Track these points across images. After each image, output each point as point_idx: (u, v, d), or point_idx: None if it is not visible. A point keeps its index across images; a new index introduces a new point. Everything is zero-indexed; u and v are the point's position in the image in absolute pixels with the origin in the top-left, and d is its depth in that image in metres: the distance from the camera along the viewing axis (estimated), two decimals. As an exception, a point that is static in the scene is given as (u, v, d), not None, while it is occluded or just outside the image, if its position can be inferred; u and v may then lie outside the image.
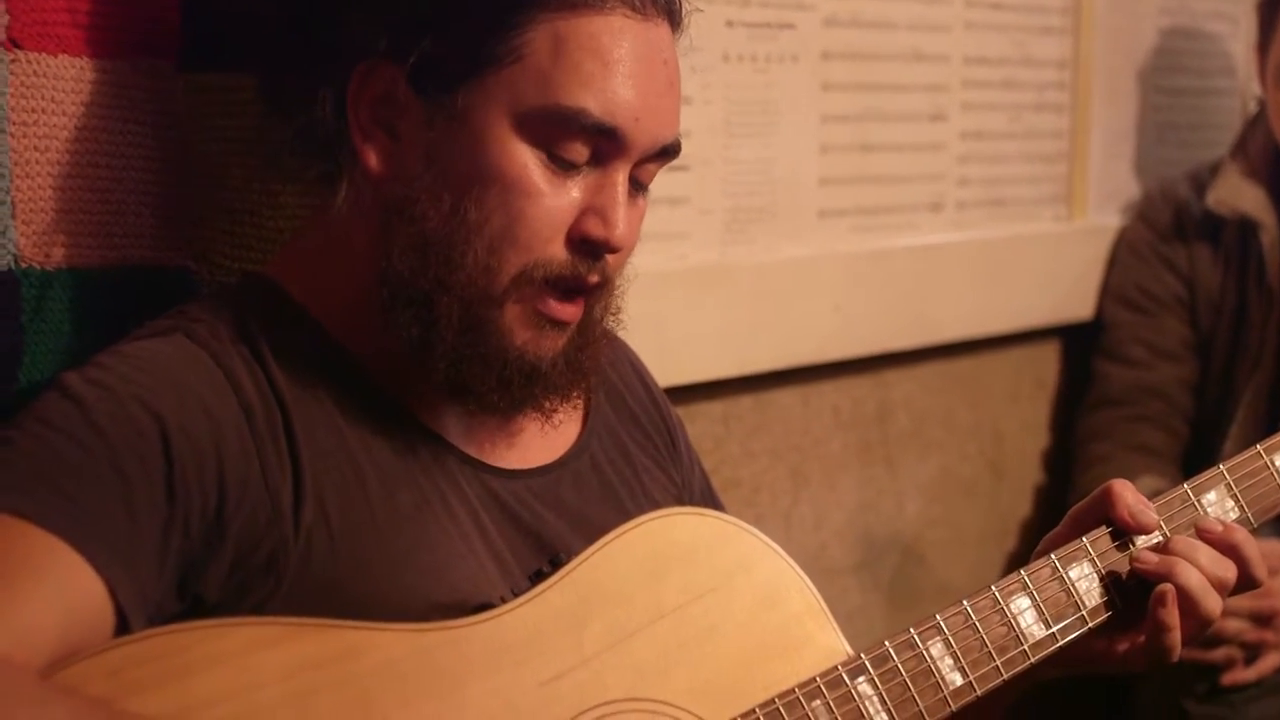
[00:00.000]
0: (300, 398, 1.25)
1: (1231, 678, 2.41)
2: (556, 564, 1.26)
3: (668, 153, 1.31)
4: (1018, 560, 2.59)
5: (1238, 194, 2.56)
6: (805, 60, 2.21)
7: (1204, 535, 1.40)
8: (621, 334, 1.45)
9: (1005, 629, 1.34)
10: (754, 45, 2.13)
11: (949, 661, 1.32)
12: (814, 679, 1.27)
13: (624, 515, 1.33)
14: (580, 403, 1.41)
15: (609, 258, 1.29)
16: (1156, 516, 1.40)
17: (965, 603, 1.34)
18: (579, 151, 1.26)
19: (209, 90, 1.47)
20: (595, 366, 1.37)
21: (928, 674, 1.31)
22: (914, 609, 2.45)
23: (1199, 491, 1.44)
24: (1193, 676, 2.42)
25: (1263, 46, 2.54)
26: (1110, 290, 2.69)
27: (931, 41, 2.41)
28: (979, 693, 1.32)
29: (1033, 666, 1.35)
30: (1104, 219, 2.75)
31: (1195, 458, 2.53)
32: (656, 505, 1.40)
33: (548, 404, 1.33)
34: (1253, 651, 2.40)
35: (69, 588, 1.09)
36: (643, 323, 1.47)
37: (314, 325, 1.30)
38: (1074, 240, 2.69)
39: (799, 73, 2.20)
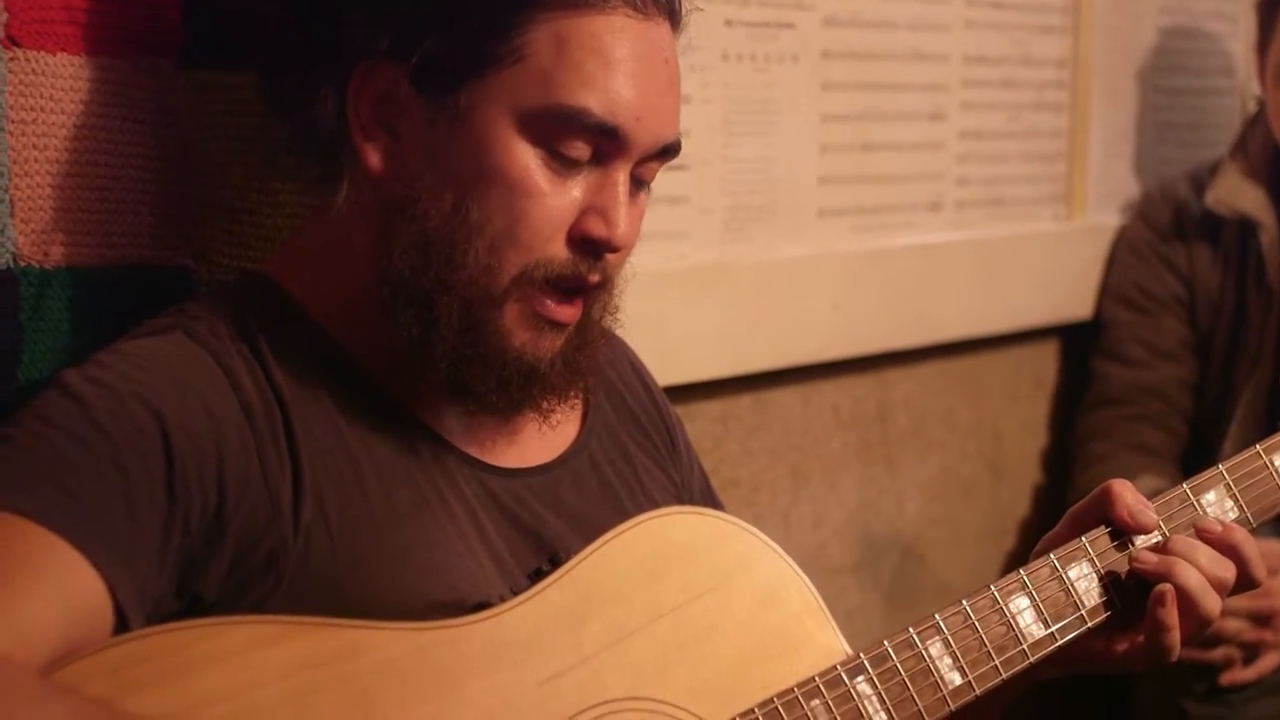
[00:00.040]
0: (299, 396, 1.25)
1: (1230, 677, 2.41)
2: (556, 563, 1.26)
3: (668, 152, 1.31)
4: (1017, 560, 2.58)
5: (1237, 194, 2.56)
6: (805, 59, 2.21)
7: (1203, 535, 1.40)
8: (621, 333, 1.45)
9: (1004, 629, 1.34)
10: (753, 44, 2.13)
11: (948, 661, 1.32)
12: (813, 678, 1.27)
13: (623, 514, 1.33)
14: (579, 402, 1.41)
15: (609, 257, 1.29)
16: (1156, 516, 1.40)
17: (964, 602, 1.34)
18: (581, 150, 1.26)
19: (209, 88, 1.47)
20: (593, 366, 1.37)
21: (926, 673, 1.31)
22: (913, 608, 2.45)
23: (1198, 491, 1.44)
24: (1191, 676, 2.42)
25: (1262, 46, 2.54)
26: (1109, 290, 2.69)
27: (931, 41, 2.41)
28: (978, 692, 1.32)
29: (1032, 666, 1.35)
30: (1103, 218, 2.75)
31: (1194, 457, 2.53)
32: (655, 504, 1.40)
33: (546, 404, 1.33)
34: (1251, 651, 2.40)
35: (69, 586, 1.09)
36: (642, 322, 1.47)
37: (313, 324, 1.30)
38: (1073, 240, 2.69)
39: (798, 72, 2.20)
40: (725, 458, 2.19)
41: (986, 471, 2.64)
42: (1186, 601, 1.36)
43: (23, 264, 1.35)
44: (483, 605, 1.22)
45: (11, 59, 1.32)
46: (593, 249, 1.28)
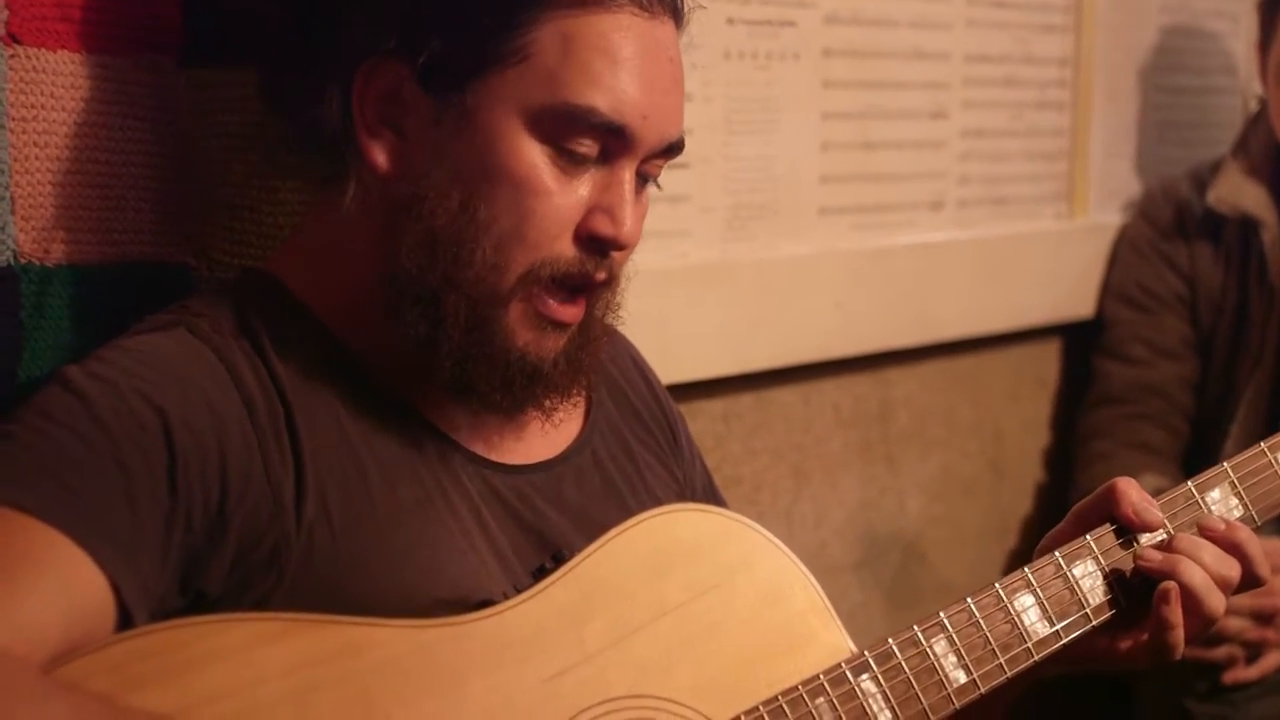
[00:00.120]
0: (302, 392, 1.25)
1: (1233, 676, 2.41)
2: (559, 560, 1.26)
3: (673, 149, 1.31)
4: (1018, 558, 2.58)
5: (1239, 192, 2.56)
6: (806, 58, 2.20)
7: (1206, 533, 1.40)
8: (622, 331, 1.45)
9: (1009, 626, 1.34)
10: (755, 42, 2.13)
11: (953, 659, 1.31)
12: (817, 676, 1.26)
13: (625, 511, 1.33)
14: (582, 398, 1.41)
15: (615, 254, 1.29)
16: (1161, 514, 1.40)
17: (969, 600, 1.33)
18: (588, 147, 1.26)
19: (210, 86, 1.46)
20: (596, 364, 1.37)
21: (931, 671, 1.30)
22: (914, 607, 2.45)
23: (1203, 489, 1.44)
24: (1194, 675, 2.42)
25: (1263, 45, 2.54)
26: (1111, 288, 2.69)
27: (932, 39, 2.41)
28: (982, 690, 1.32)
29: (1036, 664, 1.35)
30: (1105, 217, 2.75)
31: (1196, 456, 2.53)
32: (658, 501, 1.40)
33: (549, 403, 1.33)
34: (1254, 650, 2.40)
35: (70, 582, 1.09)
36: (643, 320, 1.46)
37: (315, 321, 1.30)
38: (1075, 238, 2.69)
39: (800, 70, 2.20)
40: (727, 456, 2.18)
41: (988, 470, 2.64)
42: (1191, 599, 1.36)
43: (23, 261, 1.35)
44: (485, 602, 1.22)
45: (12, 56, 1.32)
46: (599, 247, 1.28)
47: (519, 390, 1.29)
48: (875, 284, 2.32)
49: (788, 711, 1.24)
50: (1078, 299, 2.68)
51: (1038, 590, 1.36)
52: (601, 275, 1.29)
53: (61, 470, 1.12)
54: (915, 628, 1.31)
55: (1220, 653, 2.39)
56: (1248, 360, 2.55)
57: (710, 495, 1.54)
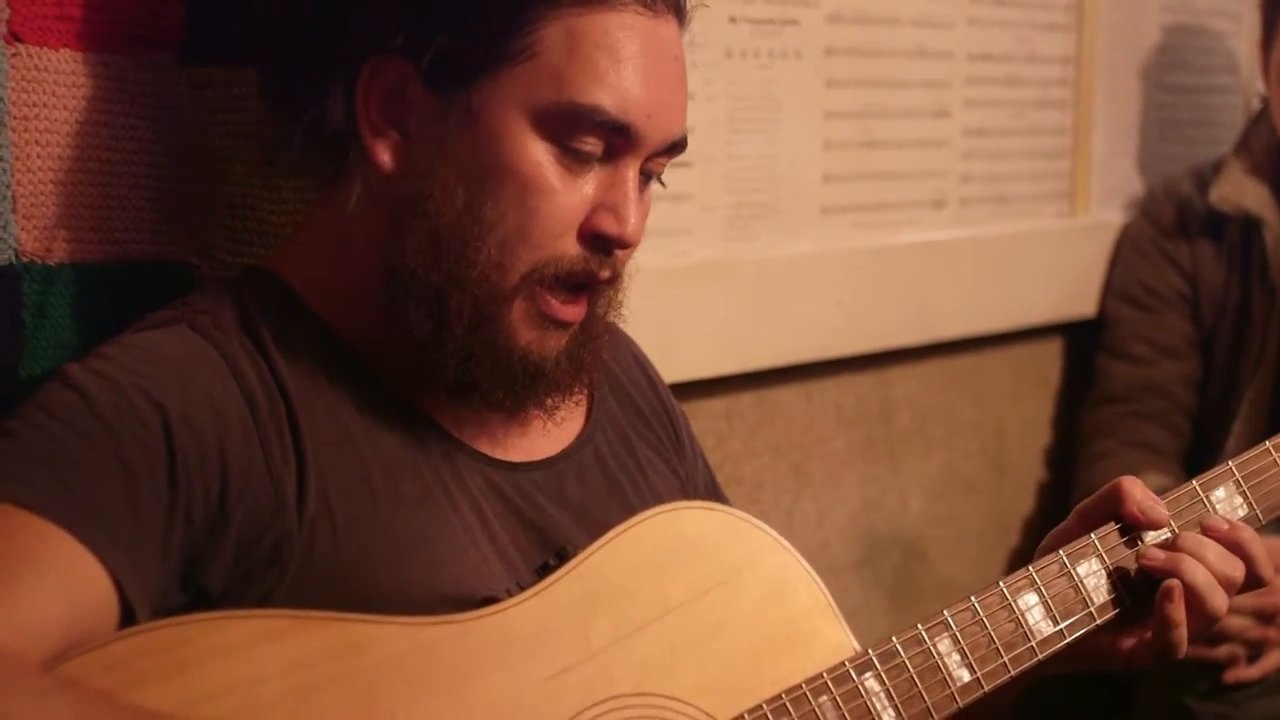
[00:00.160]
0: (303, 388, 1.25)
1: (1234, 675, 2.40)
2: (563, 557, 1.26)
3: (676, 147, 1.31)
4: (1020, 557, 2.58)
5: (1241, 191, 2.55)
6: (808, 56, 2.20)
7: (1209, 533, 1.39)
8: (624, 330, 1.45)
9: (1013, 625, 1.34)
10: (757, 41, 2.13)
11: (956, 658, 1.31)
12: (821, 675, 1.26)
13: (627, 509, 1.33)
14: (584, 396, 1.41)
15: (618, 253, 1.29)
16: (1166, 512, 1.40)
17: (973, 599, 1.33)
18: (593, 145, 1.26)
19: (211, 84, 1.46)
20: (598, 362, 1.37)
21: (935, 670, 1.30)
22: (916, 606, 2.45)
23: (1208, 488, 1.43)
24: (1195, 674, 2.42)
25: (1266, 43, 2.53)
26: (1113, 287, 2.69)
27: (934, 38, 2.40)
28: (986, 689, 1.32)
29: (1039, 663, 1.35)
30: (1107, 216, 2.74)
31: (1198, 455, 2.53)
32: (660, 498, 1.40)
33: (550, 401, 1.33)
34: (1256, 649, 2.40)
35: (71, 578, 1.09)
36: (645, 319, 1.46)
37: (316, 318, 1.29)
38: (1077, 237, 2.69)
39: (802, 69, 2.19)
40: (728, 456, 2.18)
41: (989, 469, 2.64)
42: (1194, 598, 1.36)
43: (25, 260, 1.35)
44: (488, 599, 1.22)
45: (13, 54, 1.32)
46: (603, 245, 1.27)
47: (521, 389, 1.29)
48: (877, 283, 2.31)
49: (791, 710, 1.24)
50: (1079, 298, 2.68)
51: (1042, 589, 1.35)
52: (605, 274, 1.29)
53: (62, 467, 1.12)
54: (919, 626, 1.31)
55: (1222, 651, 2.39)
56: (1250, 359, 2.54)
57: (712, 493, 1.53)
